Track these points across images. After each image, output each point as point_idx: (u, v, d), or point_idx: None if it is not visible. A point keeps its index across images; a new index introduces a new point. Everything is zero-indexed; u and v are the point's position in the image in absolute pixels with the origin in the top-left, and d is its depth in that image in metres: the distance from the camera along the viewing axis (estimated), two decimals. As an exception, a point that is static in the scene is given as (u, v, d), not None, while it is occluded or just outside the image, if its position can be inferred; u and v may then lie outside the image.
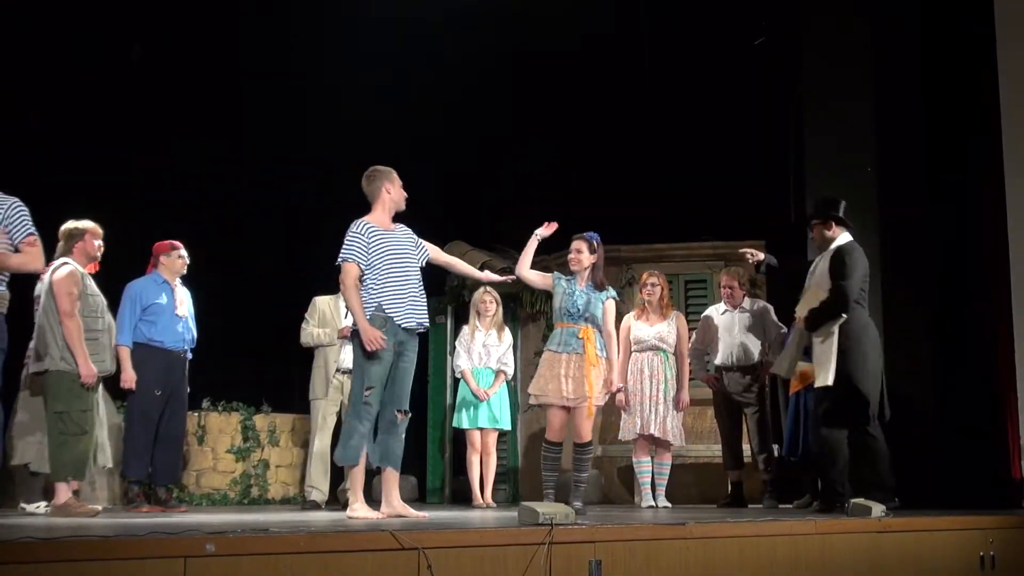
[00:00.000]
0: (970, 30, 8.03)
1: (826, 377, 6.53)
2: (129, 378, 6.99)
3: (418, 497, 10.03)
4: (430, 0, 9.89)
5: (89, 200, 8.28)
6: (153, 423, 7.17)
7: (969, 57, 8.06)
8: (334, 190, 10.27)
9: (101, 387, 6.86)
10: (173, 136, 9.78)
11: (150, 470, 7.25)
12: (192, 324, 7.44)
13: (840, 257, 6.63)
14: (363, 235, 5.98)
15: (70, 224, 6.66)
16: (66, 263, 6.42)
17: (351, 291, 5.92)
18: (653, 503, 7.84)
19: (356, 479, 6.02)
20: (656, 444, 7.89)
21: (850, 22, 8.61)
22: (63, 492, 6.27)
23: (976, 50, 7.94)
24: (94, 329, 6.52)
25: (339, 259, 5.96)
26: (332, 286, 8.09)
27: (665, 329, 7.92)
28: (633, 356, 7.96)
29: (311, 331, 8.05)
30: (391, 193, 6.16)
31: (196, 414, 8.68)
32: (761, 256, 7.46)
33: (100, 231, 6.71)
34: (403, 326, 5.99)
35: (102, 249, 6.78)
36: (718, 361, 8.01)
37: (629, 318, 8.12)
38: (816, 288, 6.75)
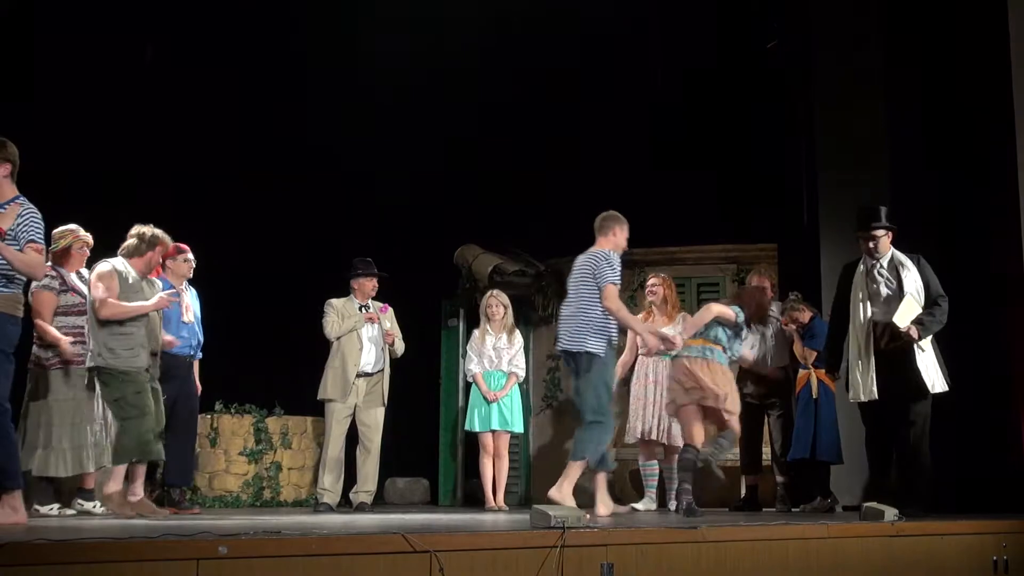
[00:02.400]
0: (978, 32, 8.00)
1: (941, 383, 6.63)
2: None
3: (430, 500, 10.05)
4: (440, 3, 9.89)
5: (96, 203, 8.34)
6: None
7: (978, 60, 8.03)
8: (343, 192, 10.32)
9: None
10: (181, 138, 9.80)
11: (162, 473, 7.29)
12: (199, 328, 7.47)
13: (930, 268, 6.74)
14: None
15: (146, 230, 6.69)
16: (106, 261, 6.48)
17: (623, 309, 6.63)
18: (652, 505, 7.89)
19: (601, 482, 6.64)
20: (665, 448, 7.91)
21: (861, 24, 8.59)
22: (118, 479, 6.33)
23: (984, 53, 7.90)
24: (129, 322, 6.48)
25: (604, 281, 6.48)
26: (343, 289, 8.13)
27: (671, 333, 7.93)
28: (639, 360, 8.00)
29: (332, 321, 7.90)
30: (617, 236, 6.79)
31: (208, 416, 8.71)
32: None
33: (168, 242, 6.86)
34: None
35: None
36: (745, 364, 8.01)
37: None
38: (912, 297, 6.68)
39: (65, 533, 4.12)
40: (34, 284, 6.62)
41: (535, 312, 9.93)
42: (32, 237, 5.31)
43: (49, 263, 6.78)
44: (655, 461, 7.99)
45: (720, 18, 10.17)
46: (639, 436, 7.92)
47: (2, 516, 5.20)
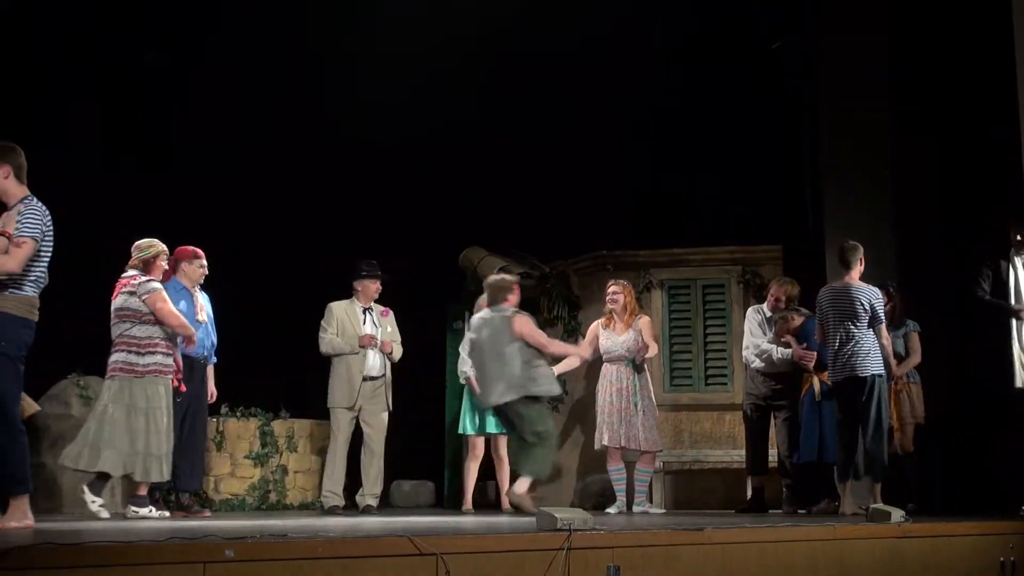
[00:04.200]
0: (981, 32, 8.00)
1: None
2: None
3: (436, 502, 10.03)
4: (438, 7, 9.89)
5: (106, 210, 8.34)
6: (175, 429, 7.20)
7: (982, 59, 8.03)
8: (348, 194, 10.31)
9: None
10: (185, 141, 9.82)
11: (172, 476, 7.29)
12: (212, 330, 7.49)
13: None
14: None
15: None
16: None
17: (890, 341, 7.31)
18: (623, 509, 7.95)
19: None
20: (641, 453, 8.00)
21: (865, 25, 8.59)
22: (525, 483, 6.89)
23: (988, 53, 7.90)
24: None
25: (879, 322, 7.13)
26: (345, 291, 8.13)
27: (631, 339, 8.01)
28: (604, 367, 8.10)
29: (329, 339, 8.01)
30: (862, 264, 7.24)
31: (214, 420, 8.69)
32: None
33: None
34: None
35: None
36: (756, 365, 8.00)
37: (597, 325, 8.21)
38: None
39: (72, 537, 4.12)
40: (145, 291, 6.69)
41: (540, 315, 9.90)
42: (20, 231, 5.25)
43: (137, 271, 6.83)
44: (622, 466, 8.04)
45: (723, 18, 10.16)
46: (605, 444, 7.97)
47: (12, 520, 5.21)
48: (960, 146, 8.15)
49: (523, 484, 6.92)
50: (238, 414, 8.98)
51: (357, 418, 7.99)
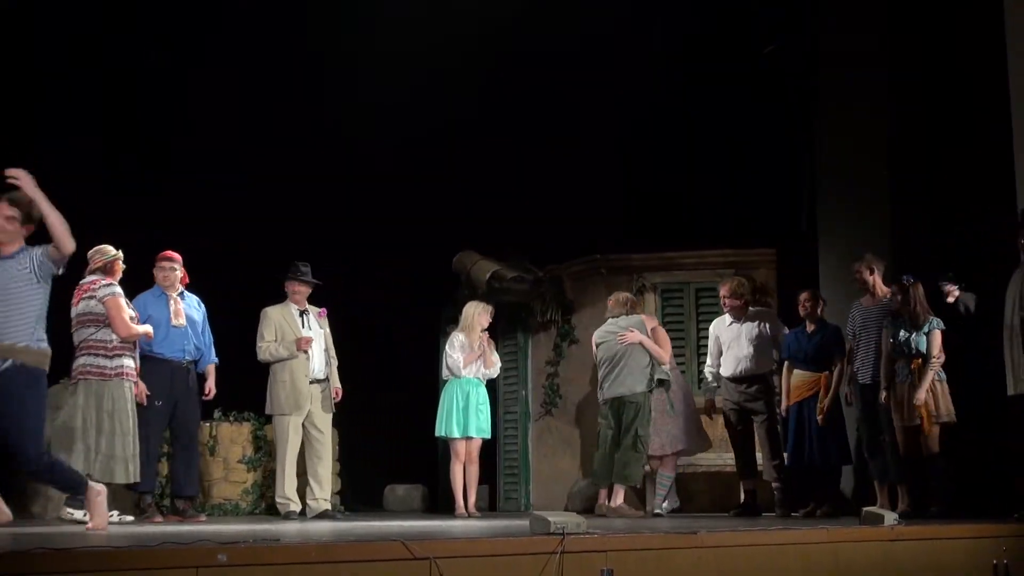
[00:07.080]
0: (978, 36, 8.00)
1: None
2: (140, 391, 7.06)
3: (429, 506, 10.00)
4: (438, 7, 9.89)
5: (106, 210, 8.35)
6: (156, 434, 7.21)
7: (978, 63, 8.03)
8: (341, 198, 10.32)
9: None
10: (187, 143, 9.83)
11: (161, 481, 7.30)
12: (202, 332, 7.49)
13: None
14: None
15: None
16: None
17: None
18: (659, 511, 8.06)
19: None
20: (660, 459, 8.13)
21: (865, 26, 8.59)
22: (619, 496, 7.71)
23: (984, 56, 7.90)
24: None
25: None
26: (279, 295, 8.15)
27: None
28: None
29: (266, 347, 7.96)
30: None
31: (208, 424, 8.68)
32: (957, 294, 7.48)
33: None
34: None
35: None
36: (727, 372, 8.01)
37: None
38: None
39: (65, 542, 4.13)
40: (105, 293, 6.73)
41: (534, 318, 9.91)
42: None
43: (97, 276, 6.88)
44: (672, 472, 8.21)
45: (723, 18, 10.14)
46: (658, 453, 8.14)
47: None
48: (960, 146, 8.14)
49: (620, 495, 7.73)
50: (231, 418, 8.97)
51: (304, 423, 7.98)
